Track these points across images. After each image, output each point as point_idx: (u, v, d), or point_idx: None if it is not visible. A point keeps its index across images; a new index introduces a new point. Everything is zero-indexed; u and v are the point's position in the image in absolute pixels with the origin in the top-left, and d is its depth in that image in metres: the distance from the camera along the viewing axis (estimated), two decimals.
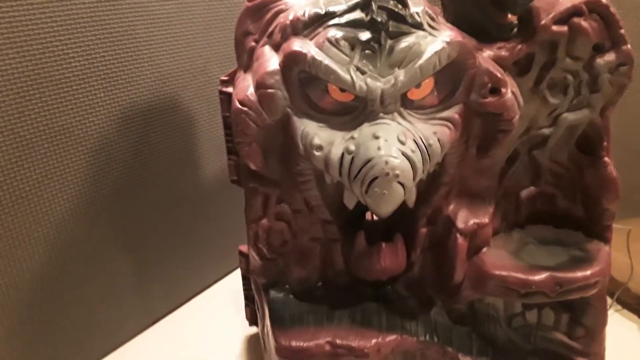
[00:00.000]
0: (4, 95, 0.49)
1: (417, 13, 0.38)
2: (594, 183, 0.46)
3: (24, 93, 0.51)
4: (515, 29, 0.42)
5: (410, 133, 0.39)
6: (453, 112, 0.41)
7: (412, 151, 0.39)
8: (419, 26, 0.38)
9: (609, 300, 0.49)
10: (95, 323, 0.61)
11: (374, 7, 0.38)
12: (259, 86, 0.40)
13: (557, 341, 0.49)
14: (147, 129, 0.62)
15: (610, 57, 0.42)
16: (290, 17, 0.40)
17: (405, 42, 0.38)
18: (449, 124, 0.40)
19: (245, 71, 0.45)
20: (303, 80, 0.40)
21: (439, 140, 0.40)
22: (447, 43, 0.38)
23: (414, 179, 0.39)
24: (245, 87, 0.41)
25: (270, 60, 0.41)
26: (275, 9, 0.43)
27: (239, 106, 0.41)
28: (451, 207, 0.46)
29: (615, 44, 0.42)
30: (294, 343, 0.45)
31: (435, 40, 0.38)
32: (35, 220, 0.54)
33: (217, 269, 0.76)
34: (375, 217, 0.50)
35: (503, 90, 0.40)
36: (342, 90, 0.39)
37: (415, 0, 0.39)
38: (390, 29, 0.38)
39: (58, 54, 0.52)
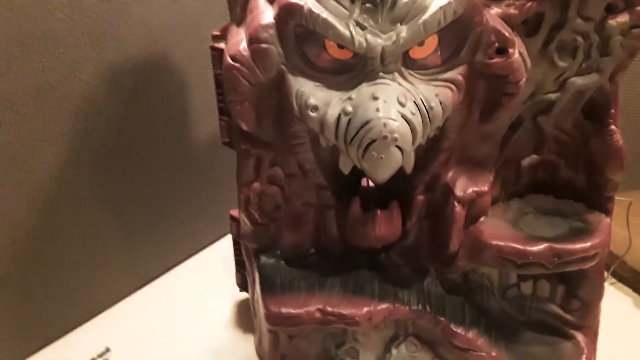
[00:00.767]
0: None
1: None
2: (598, 152, 0.45)
3: (5, 47, 0.48)
4: None
5: (410, 94, 0.37)
6: (457, 73, 0.38)
7: (412, 114, 0.37)
8: None
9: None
10: (83, 285, 0.60)
11: None
12: (252, 40, 0.38)
13: (551, 313, 0.48)
14: (136, 88, 0.60)
15: (623, 18, 0.40)
16: None
17: None
18: (452, 86, 0.38)
19: (238, 25, 0.42)
20: (299, 35, 0.38)
21: (440, 103, 0.38)
22: None
23: (413, 143, 0.38)
24: (238, 41, 0.39)
25: (265, 12, 0.38)
26: None
27: (231, 62, 0.38)
28: (450, 174, 0.44)
29: (629, 4, 0.40)
30: (284, 309, 0.45)
31: None
32: (18, 182, 0.52)
33: (208, 232, 0.75)
34: (370, 183, 0.48)
35: (510, 50, 0.38)
36: (341, 46, 0.37)
37: None
38: None
39: (41, 4, 0.49)
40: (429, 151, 0.43)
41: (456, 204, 0.44)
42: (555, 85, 0.43)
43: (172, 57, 0.63)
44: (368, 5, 0.36)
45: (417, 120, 0.37)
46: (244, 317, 0.60)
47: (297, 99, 0.38)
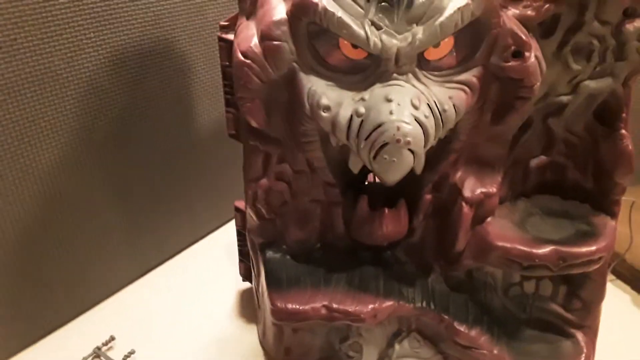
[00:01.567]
0: None
1: None
2: (607, 155, 0.44)
3: (6, 32, 0.47)
4: None
5: (424, 97, 0.37)
6: (471, 75, 0.38)
7: (426, 117, 0.36)
8: None
9: None
10: (86, 272, 0.60)
11: None
12: (264, 37, 0.37)
13: (552, 312, 0.49)
14: (139, 74, 0.59)
15: None
16: None
17: None
18: (466, 88, 0.38)
19: (247, 18, 0.41)
20: (312, 33, 0.37)
21: (454, 105, 0.38)
22: None
23: (425, 146, 0.37)
24: (249, 36, 0.38)
25: (277, 8, 0.37)
26: None
27: (242, 58, 0.37)
28: (458, 174, 0.44)
29: None
30: (290, 305, 0.45)
31: None
32: (21, 170, 0.51)
33: (211, 220, 0.75)
34: (378, 180, 0.48)
35: (527, 54, 0.37)
36: (355, 46, 0.36)
37: None
38: None
39: None
40: (439, 151, 0.43)
41: (464, 204, 0.44)
42: (568, 88, 0.43)
43: (176, 41, 0.62)
44: (384, 4, 0.35)
45: (430, 124, 0.37)
46: (247, 307, 0.61)
47: (309, 98, 0.38)
